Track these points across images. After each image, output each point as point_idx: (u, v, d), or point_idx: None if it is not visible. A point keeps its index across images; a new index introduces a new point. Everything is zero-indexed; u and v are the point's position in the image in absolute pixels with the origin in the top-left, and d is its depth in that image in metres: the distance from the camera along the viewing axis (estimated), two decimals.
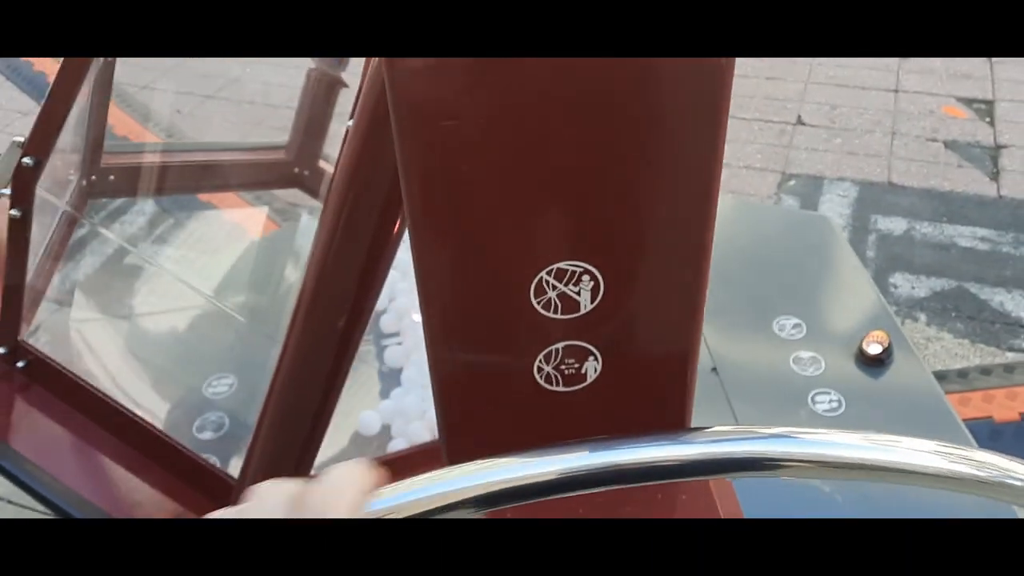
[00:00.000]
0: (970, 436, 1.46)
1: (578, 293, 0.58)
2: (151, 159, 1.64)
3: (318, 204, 1.72)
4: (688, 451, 0.52)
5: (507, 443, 0.54)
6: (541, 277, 0.57)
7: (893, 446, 0.55)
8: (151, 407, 1.33)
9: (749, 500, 0.91)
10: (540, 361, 0.62)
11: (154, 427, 1.20)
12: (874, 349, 1.58)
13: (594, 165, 0.53)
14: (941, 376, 1.96)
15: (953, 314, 2.20)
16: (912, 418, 1.50)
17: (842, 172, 2.71)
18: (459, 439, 0.66)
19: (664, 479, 0.53)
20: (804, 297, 1.71)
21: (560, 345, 0.61)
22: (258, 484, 0.44)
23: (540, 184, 0.53)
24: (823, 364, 1.60)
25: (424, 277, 0.57)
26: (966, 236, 2.43)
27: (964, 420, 1.90)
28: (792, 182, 2.70)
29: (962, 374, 1.99)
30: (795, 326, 1.66)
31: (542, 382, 0.63)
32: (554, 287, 0.58)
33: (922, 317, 2.19)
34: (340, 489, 0.43)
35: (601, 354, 0.63)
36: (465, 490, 0.51)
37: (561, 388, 0.64)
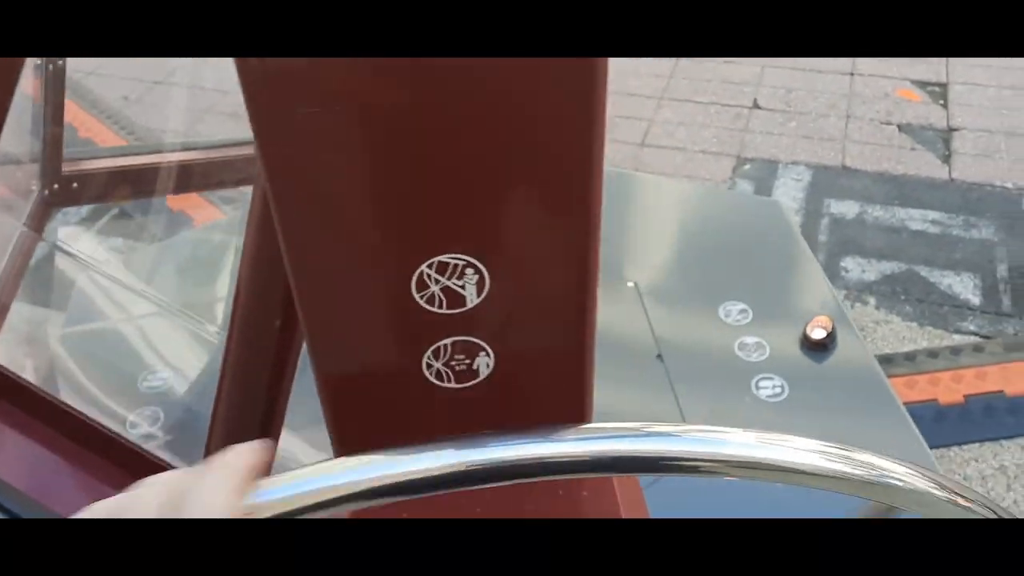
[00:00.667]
0: (911, 421, 1.47)
1: (463, 287, 0.57)
2: (116, 163, 1.60)
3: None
4: (561, 449, 0.50)
5: (399, 442, 0.53)
6: (422, 271, 0.55)
7: (776, 445, 0.54)
8: (87, 401, 1.31)
9: (674, 498, 0.89)
10: (429, 357, 0.60)
11: (90, 419, 1.17)
12: (818, 334, 1.58)
13: (465, 158, 0.51)
14: (888, 359, 1.97)
15: (902, 297, 2.21)
16: (854, 402, 1.50)
17: (797, 156, 2.72)
18: (349, 438, 0.65)
19: (540, 476, 0.52)
20: (751, 282, 1.71)
21: (448, 341, 0.60)
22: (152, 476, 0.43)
23: (412, 176, 0.52)
24: (768, 349, 1.60)
25: (297, 272, 0.55)
26: (917, 219, 2.45)
27: (910, 403, 1.91)
28: (747, 166, 2.70)
29: (909, 357, 2.00)
30: (741, 311, 1.66)
31: (433, 379, 0.61)
32: (437, 281, 0.56)
33: (872, 300, 2.21)
34: (220, 480, 0.43)
35: (492, 350, 0.61)
36: (346, 485, 0.51)
37: (453, 385, 0.62)
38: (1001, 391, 1.91)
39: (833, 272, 2.30)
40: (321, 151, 0.50)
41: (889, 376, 1.98)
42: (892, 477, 0.55)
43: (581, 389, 0.66)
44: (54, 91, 1.39)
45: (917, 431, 1.45)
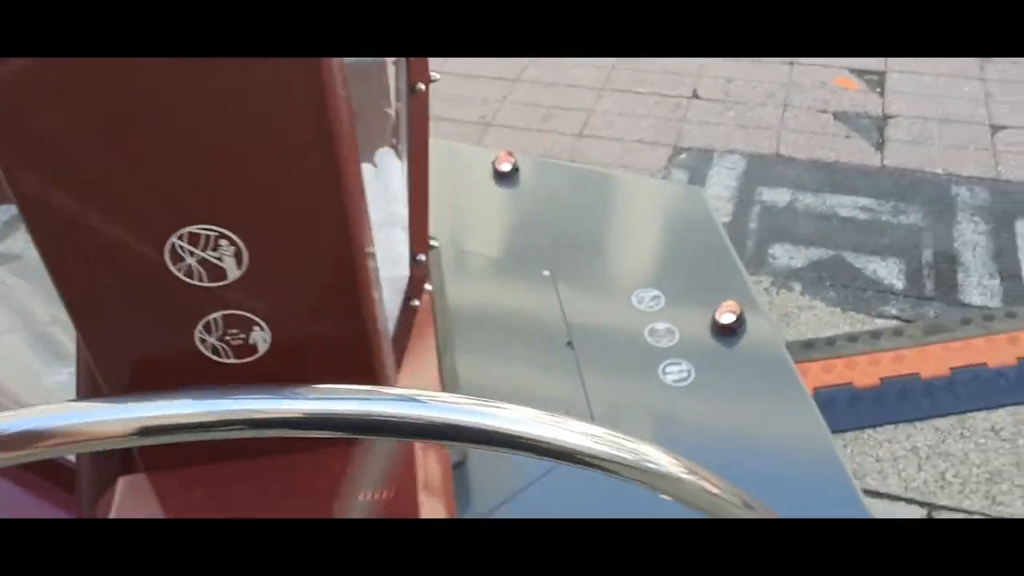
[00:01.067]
0: (814, 405, 1.48)
1: (220, 259, 0.57)
2: None
3: None
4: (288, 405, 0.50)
5: None
6: (172, 243, 0.56)
7: (547, 424, 0.54)
8: None
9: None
10: (201, 332, 0.61)
11: None
12: (726, 319, 1.59)
13: (197, 141, 0.52)
14: (809, 344, 1.99)
15: (828, 283, 2.22)
16: (759, 387, 1.51)
17: (732, 145, 2.73)
18: None
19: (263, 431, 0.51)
20: (666, 270, 1.72)
21: (217, 315, 0.60)
22: None
23: (151, 156, 0.52)
24: (677, 335, 1.61)
25: (51, 262, 0.55)
26: (847, 206, 2.46)
27: (826, 387, 1.93)
28: (683, 156, 2.71)
29: (830, 342, 2.02)
30: (654, 298, 1.67)
31: (210, 354, 0.62)
32: (192, 253, 0.56)
33: (797, 287, 2.22)
34: None
35: (267, 324, 0.61)
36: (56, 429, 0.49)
37: (233, 360, 0.62)
38: (916, 373, 1.93)
39: (761, 259, 2.32)
40: (56, 141, 0.50)
41: (808, 360, 2.00)
42: (649, 462, 0.56)
43: (371, 368, 0.66)
44: None
45: (819, 415, 1.46)
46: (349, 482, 0.69)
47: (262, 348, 0.62)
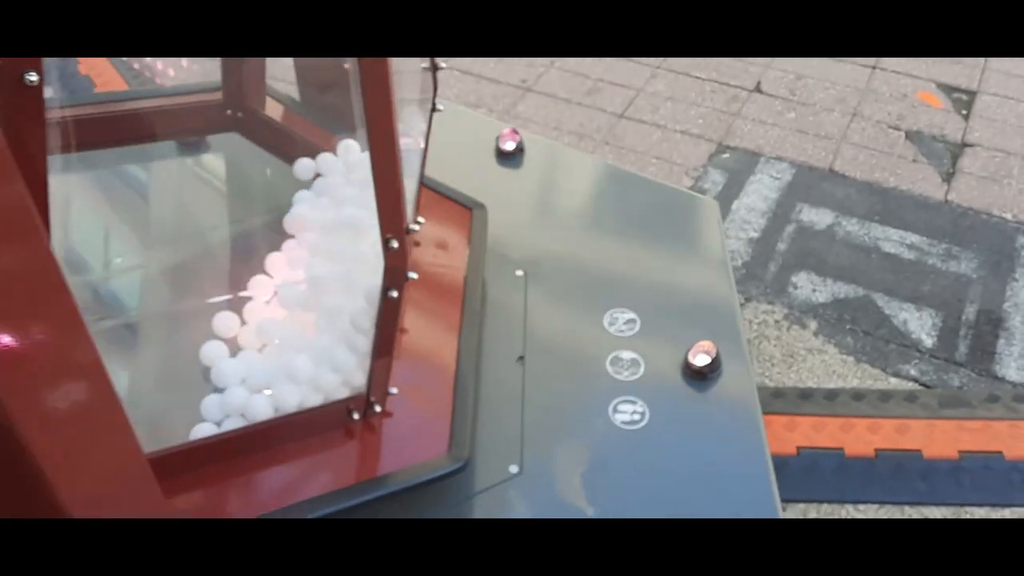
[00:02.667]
0: (769, 476, 1.30)
1: None
2: (60, 113, 1.51)
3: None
4: None
5: None
6: None
7: None
8: None
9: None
10: None
11: None
12: (699, 360, 1.42)
13: None
14: (806, 395, 1.79)
15: (848, 326, 1.99)
16: (712, 444, 1.34)
17: (784, 151, 2.48)
18: None
19: None
20: (651, 290, 1.54)
21: None
22: None
23: None
24: (642, 369, 1.44)
25: None
26: (894, 240, 2.21)
27: (811, 448, 1.73)
28: (726, 155, 2.47)
29: (830, 396, 1.81)
30: (628, 321, 1.49)
31: None
32: None
33: (812, 325, 2.00)
34: None
35: None
36: None
37: None
38: (919, 451, 1.71)
39: (780, 287, 2.10)
40: None
41: (799, 414, 1.80)
42: None
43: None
44: None
45: (774, 490, 1.29)
46: None
47: None
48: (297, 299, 1.29)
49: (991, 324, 2.00)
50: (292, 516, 1.04)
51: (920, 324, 2.00)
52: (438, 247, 1.51)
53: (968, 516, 1.63)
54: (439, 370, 1.29)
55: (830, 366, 1.90)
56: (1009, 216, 2.27)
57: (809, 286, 2.09)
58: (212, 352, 1.21)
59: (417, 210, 1.44)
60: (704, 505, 1.23)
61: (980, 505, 1.64)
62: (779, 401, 1.80)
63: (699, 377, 1.39)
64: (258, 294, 1.30)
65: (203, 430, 1.12)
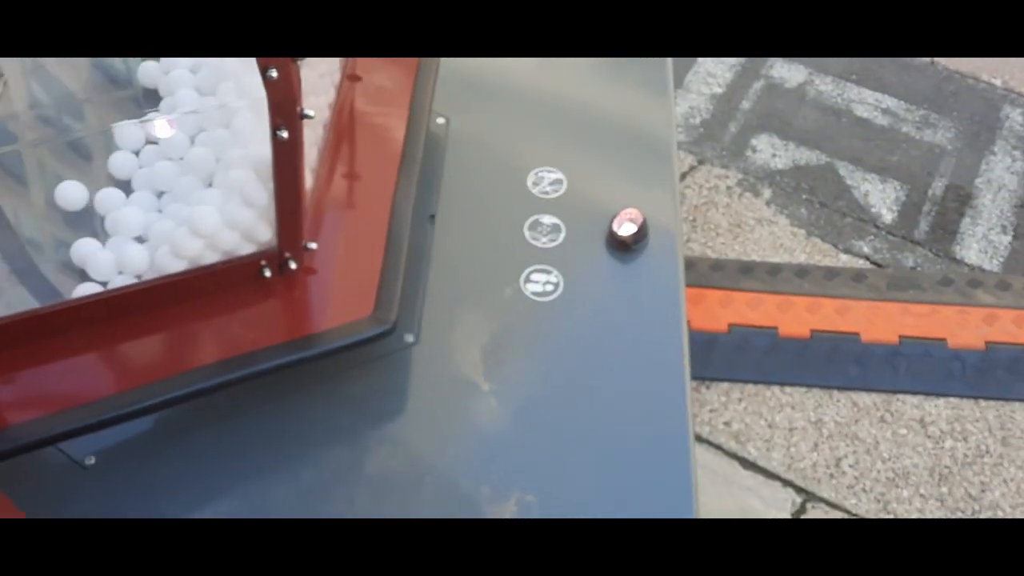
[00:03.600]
0: (683, 352, 1.20)
1: None
2: None
3: None
4: None
5: None
6: None
7: None
8: None
9: None
10: None
11: None
12: (625, 230, 1.29)
13: None
14: (747, 269, 1.67)
15: (804, 196, 1.85)
16: (626, 318, 1.23)
17: None
18: None
19: None
20: (584, 149, 1.39)
21: None
22: None
23: None
24: (562, 236, 1.31)
25: None
26: (869, 103, 2.03)
27: (744, 325, 1.63)
28: None
29: (772, 270, 1.69)
30: (555, 182, 1.35)
31: None
32: None
33: (766, 193, 1.86)
34: None
35: None
36: None
37: None
38: (856, 334, 1.61)
39: (738, 149, 1.94)
40: None
41: (736, 289, 1.69)
42: None
43: None
44: None
45: (685, 364, 1.19)
46: None
47: None
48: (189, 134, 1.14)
49: (958, 201, 1.86)
50: (194, 380, 0.95)
51: (882, 197, 1.86)
52: (378, 89, 1.34)
53: (899, 404, 1.55)
54: (368, 225, 1.16)
55: (778, 239, 1.77)
56: (998, 82, 2.08)
57: (769, 150, 1.93)
58: (108, 200, 1.08)
59: None
60: (605, 385, 1.14)
61: (912, 394, 1.56)
62: (717, 274, 1.69)
63: (621, 247, 1.27)
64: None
65: (86, 289, 1.01)
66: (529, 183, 1.33)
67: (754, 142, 1.95)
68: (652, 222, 1.27)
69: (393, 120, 1.30)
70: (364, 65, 1.33)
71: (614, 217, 1.28)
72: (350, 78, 1.30)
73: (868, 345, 1.60)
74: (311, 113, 0.95)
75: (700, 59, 2.10)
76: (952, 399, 1.56)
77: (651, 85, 1.49)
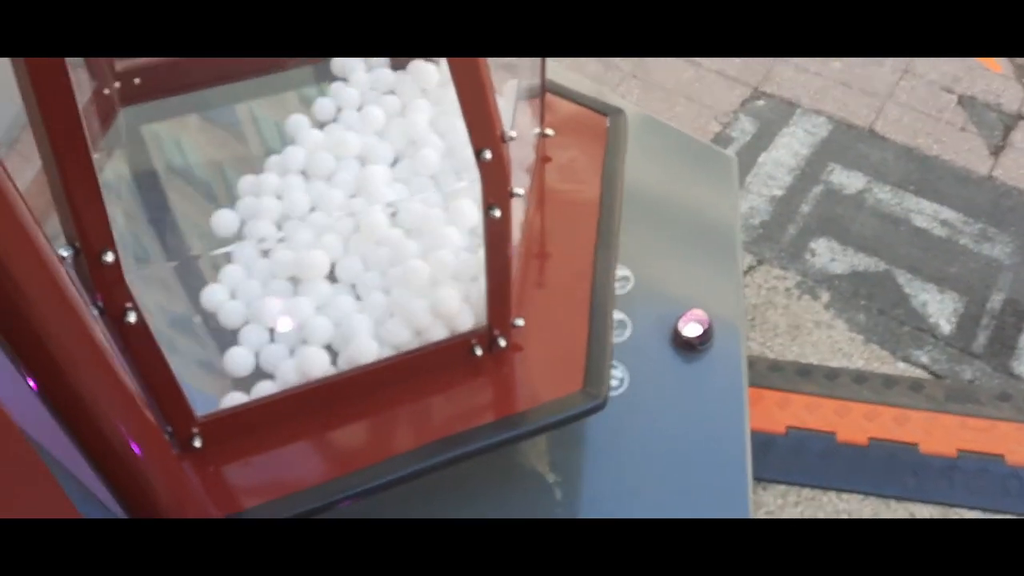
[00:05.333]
0: (746, 455, 1.23)
1: None
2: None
3: None
4: None
5: None
6: None
7: None
8: None
9: None
10: None
11: None
12: (689, 330, 1.33)
13: None
14: (805, 372, 1.69)
15: (862, 302, 1.88)
16: (687, 420, 1.26)
17: (823, 104, 2.31)
18: None
19: None
20: (651, 247, 1.44)
21: None
22: None
23: None
24: (628, 331, 1.35)
25: None
26: (927, 214, 2.07)
27: (801, 428, 1.64)
28: (760, 102, 2.32)
29: (830, 375, 1.71)
30: (622, 279, 1.40)
31: None
32: None
33: (824, 296, 1.88)
34: None
35: None
36: None
37: None
38: (915, 444, 1.62)
39: (797, 252, 1.98)
40: None
41: (794, 391, 1.70)
42: None
43: None
44: None
45: (747, 463, 1.22)
46: None
47: None
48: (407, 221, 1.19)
49: (1016, 316, 1.87)
50: (419, 458, 0.98)
51: (940, 308, 1.88)
52: (568, 161, 1.38)
53: (954, 516, 1.54)
54: (570, 299, 1.18)
55: (836, 343, 1.79)
56: None
57: (828, 254, 1.97)
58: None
59: (542, 119, 1.35)
60: (673, 482, 1.16)
61: (970, 508, 1.55)
62: (775, 375, 1.71)
63: (686, 347, 1.31)
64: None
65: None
66: None
67: (813, 245, 1.98)
68: (716, 321, 1.31)
69: (585, 191, 1.35)
70: (552, 145, 1.39)
71: (680, 316, 1.32)
72: (542, 160, 1.34)
73: (926, 456, 1.60)
74: (520, 191, 0.98)
75: (761, 159, 2.15)
76: (1007, 516, 1.55)
77: (718, 185, 1.55)
